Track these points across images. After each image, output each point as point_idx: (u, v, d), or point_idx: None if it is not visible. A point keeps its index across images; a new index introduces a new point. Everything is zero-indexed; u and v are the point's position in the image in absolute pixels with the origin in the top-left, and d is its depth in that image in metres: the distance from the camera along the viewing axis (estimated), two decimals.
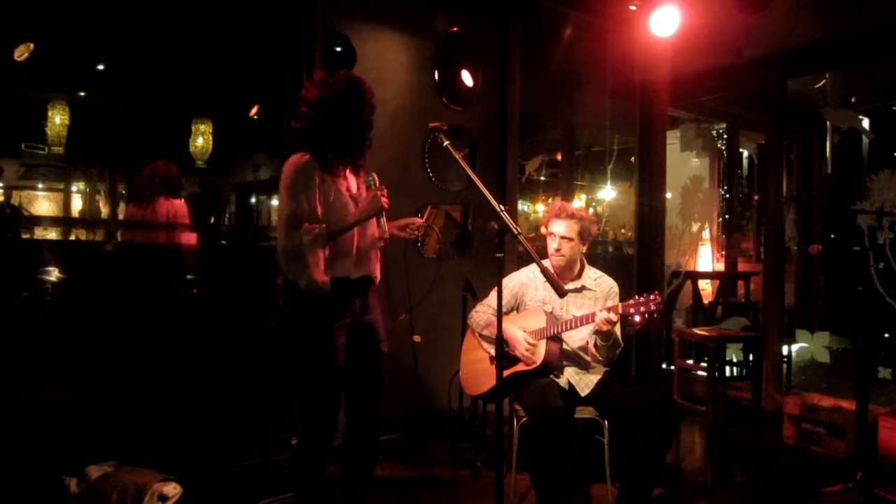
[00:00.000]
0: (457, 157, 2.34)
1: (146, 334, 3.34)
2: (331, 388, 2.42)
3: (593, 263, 3.20)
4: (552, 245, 3.02)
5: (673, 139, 6.97)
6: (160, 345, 3.35)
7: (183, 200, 3.70)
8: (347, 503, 2.56)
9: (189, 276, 3.73)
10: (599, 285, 3.09)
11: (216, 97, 4.07)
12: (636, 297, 2.72)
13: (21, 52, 3.33)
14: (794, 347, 5.58)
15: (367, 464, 2.59)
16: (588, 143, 6.50)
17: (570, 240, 2.99)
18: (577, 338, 3.00)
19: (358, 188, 2.54)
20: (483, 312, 3.14)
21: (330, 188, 2.42)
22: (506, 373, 2.87)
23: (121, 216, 3.97)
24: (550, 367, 2.90)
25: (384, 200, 2.42)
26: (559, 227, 3.00)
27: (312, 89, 2.43)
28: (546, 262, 3.01)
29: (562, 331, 2.90)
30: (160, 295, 3.58)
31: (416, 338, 3.25)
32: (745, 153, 7.83)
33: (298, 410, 2.45)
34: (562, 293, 2.32)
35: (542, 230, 3.13)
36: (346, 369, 2.44)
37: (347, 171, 2.52)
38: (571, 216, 2.99)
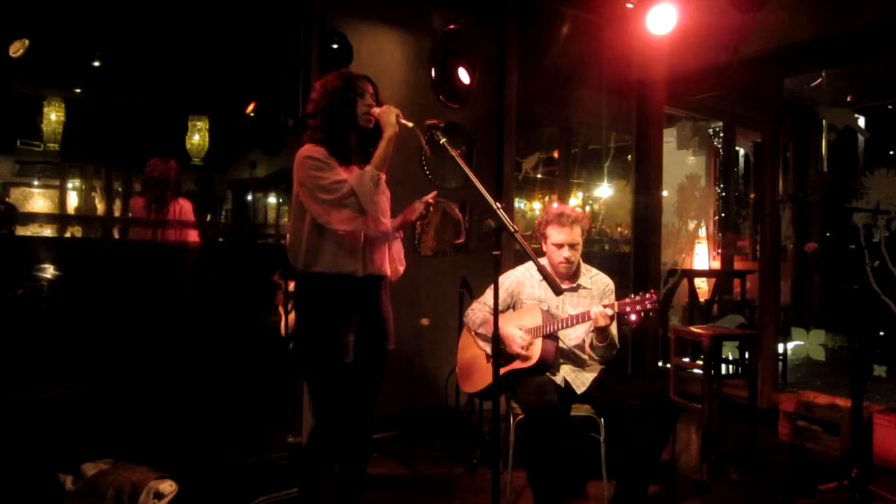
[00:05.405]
0: (454, 154, 2.32)
1: (142, 332, 3.34)
2: (340, 386, 2.41)
3: (590, 262, 3.20)
4: (561, 254, 2.96)
5: (669, 137, 6.98)
6: (156, 342, 3.34)
7: (188, 199, 3.78)
8: (343, 500, 2.57)
9: (184, 274, 3.73)
10: (595, 283, 3.09)
11: (213, 94, 4.06)
12: (632, 296, 2.73)
13: (16, 49, 3.32)
14: (790, 345, 5.60)
15: (361, 461, 2.60)
16: (585, 141, 6.51)
17: (578, 244, 2.99)
18: (573, 336, 3.00)
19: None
20: (479, 310, 3.14)
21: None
22: (502, 370, 2.87)
23: (117, 213, 3.96)
24: (547, 364, 2.91)
25: (392, 108, 2.39)
26: (566, 236, 2.95)
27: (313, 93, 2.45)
28: (543, 260, 3.01)
29: (558, 329, 2.90)
30: (155, 292, 3.58)
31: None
32: (742, 151, 7.85)
33: (313, 409, 2.43)
34: (558, 291, 2.32)
35: (544, 240, 3.04)
36: (353, 366, 2.43)
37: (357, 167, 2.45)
38: (574, 221, 2.96)
